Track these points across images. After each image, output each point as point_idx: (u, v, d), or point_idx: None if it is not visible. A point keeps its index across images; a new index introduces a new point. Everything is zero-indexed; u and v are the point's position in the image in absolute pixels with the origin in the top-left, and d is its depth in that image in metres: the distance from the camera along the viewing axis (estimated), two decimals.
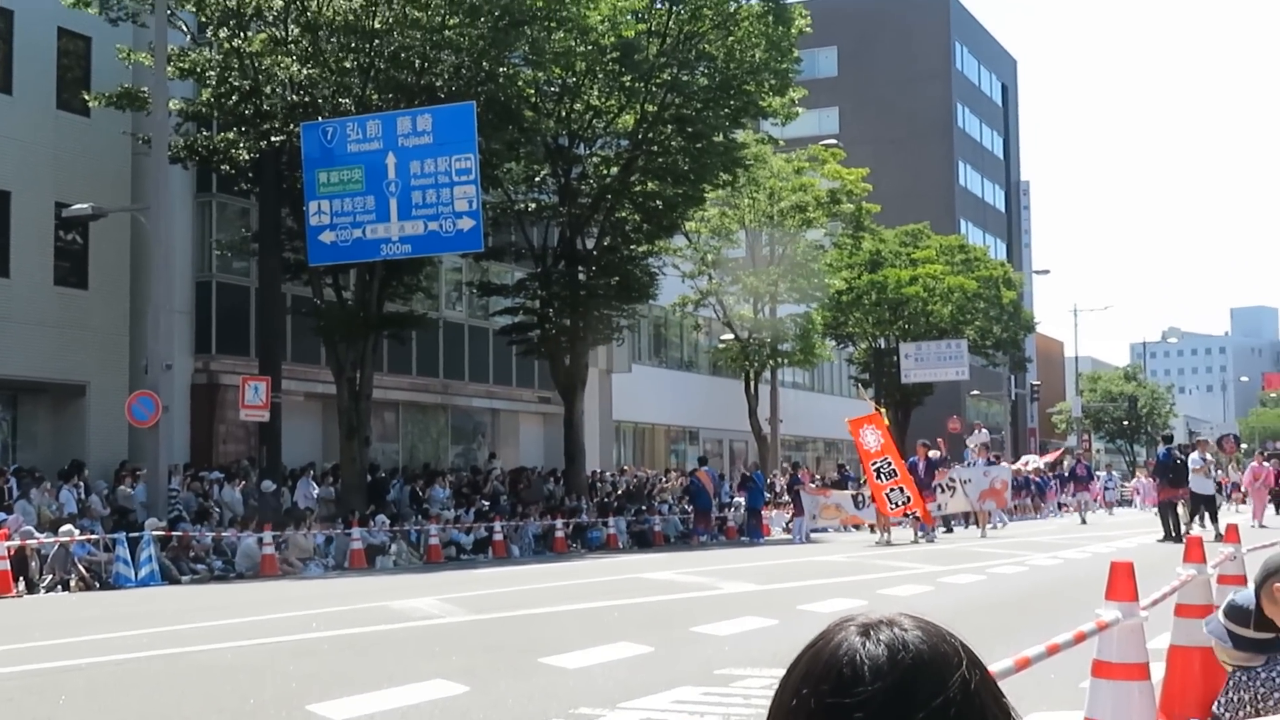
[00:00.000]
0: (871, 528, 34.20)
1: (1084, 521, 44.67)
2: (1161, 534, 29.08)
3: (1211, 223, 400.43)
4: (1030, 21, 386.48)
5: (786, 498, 43.27)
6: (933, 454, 34.89)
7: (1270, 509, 37.22)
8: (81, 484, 27.33)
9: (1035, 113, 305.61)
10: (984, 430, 52.56)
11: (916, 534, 32.84)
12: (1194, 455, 30.56)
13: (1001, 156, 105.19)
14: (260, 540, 26.89)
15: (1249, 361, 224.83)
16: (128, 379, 31.82)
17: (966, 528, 39.07)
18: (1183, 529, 28.74)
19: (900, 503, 32.07)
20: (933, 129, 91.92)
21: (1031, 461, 56.78)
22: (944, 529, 36.89)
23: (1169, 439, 33.63)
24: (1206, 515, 29.84)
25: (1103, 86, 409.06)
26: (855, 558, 26.76)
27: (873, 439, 32.11)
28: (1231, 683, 5.26)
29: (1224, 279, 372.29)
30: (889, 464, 31.82)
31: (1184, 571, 8.07)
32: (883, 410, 34.58)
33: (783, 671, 1.67)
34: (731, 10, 37.38)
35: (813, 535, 37.60)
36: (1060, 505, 56.63)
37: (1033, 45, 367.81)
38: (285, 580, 25.64)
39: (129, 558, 23.94)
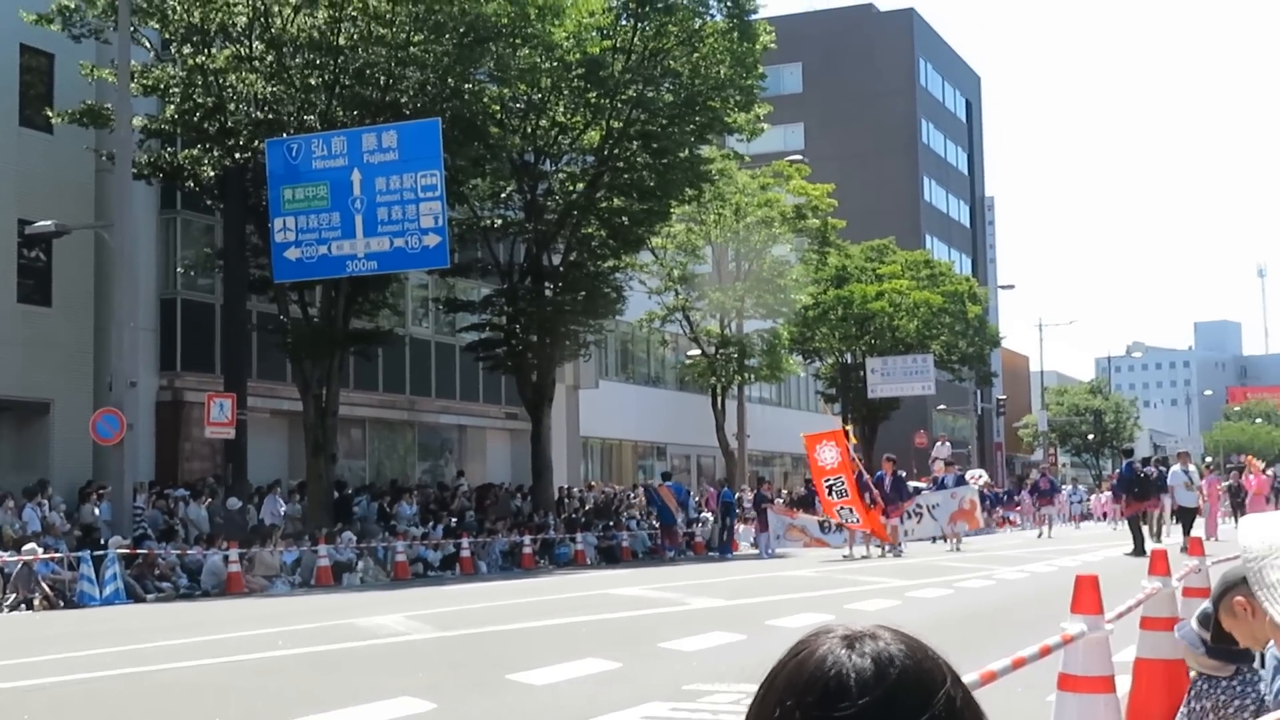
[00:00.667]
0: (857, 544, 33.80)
1: (1044, 535, 44.70)
2: (1132, 547, 29.22)
3: (1175, 238, 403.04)
4: (994, 38, 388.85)
5: (754, 513, 43.33)
6: (901, 472, 34.99)
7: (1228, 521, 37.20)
8: (45, 502, 27.14)
9: (999, 128, 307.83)
10: (947, 443, 52.48)
11: (884, 548, 32.90)
12: (1175, 469, 30.63)
13: (966, 172, 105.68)
14: (226, 558, 26.75)
15: (1213, 375, 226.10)
16: (92, 396, 31.63)
17: (934, 543, 39.11)
18: (1147, 542, 28.85)
19: (851, 521, 32.21)
20: (897, 145, 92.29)
21: (982, 476, 57.03)
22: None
23: (1129, 453, 33.80)
24: (1180, 526, 29.82)
25: (1066, 103, 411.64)
26: (823, 572, 26.78)
27: (830, 455, 32.15)
28: (1193, 691, 5.28)
29: (1188, 293, 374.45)
30: (841, 482, 31.87)
31: (1149, 584, 8.11)
32: (849, 428, 34.58)
33: (751, 686, 1.66)
34: (696, 27, 37.48)
35: (778, 551, 37.62)
36: (1005, 520, 56.82)
37: (996, 62, 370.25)
38: (251, 598, 25.51)
39: (93, 576, 23.77)
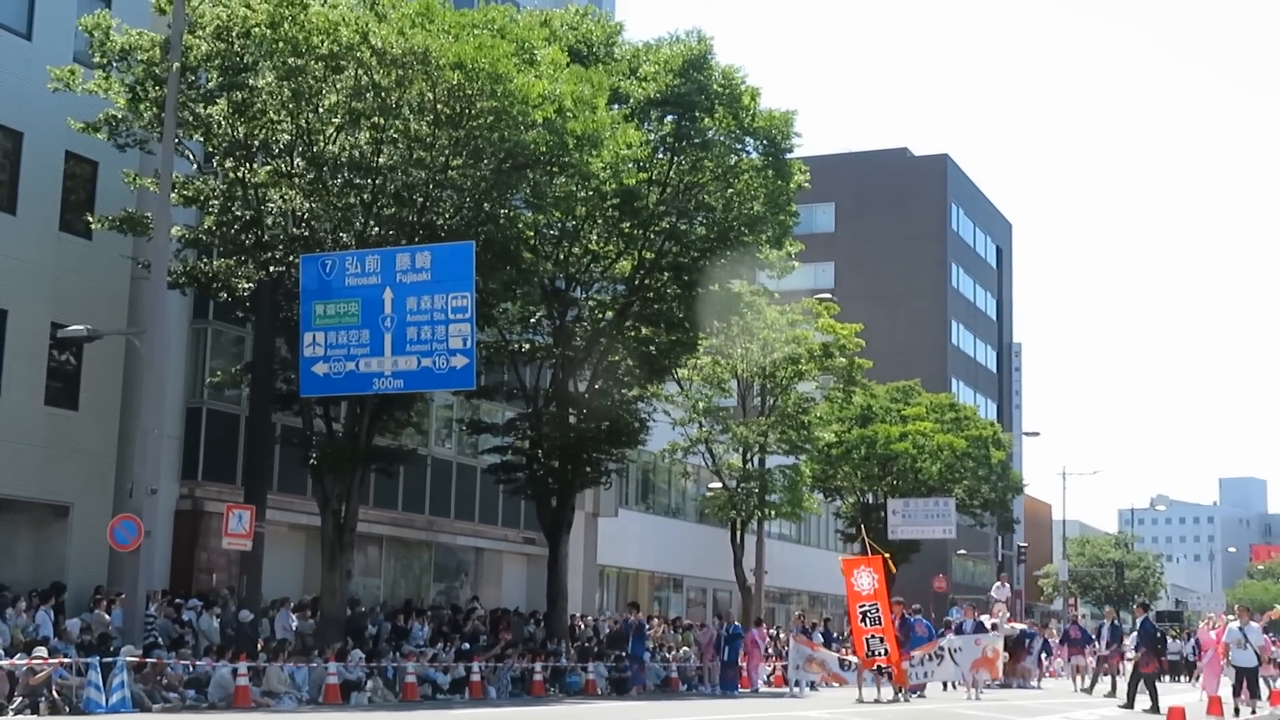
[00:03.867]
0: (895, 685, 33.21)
1: (1078, 689, 42.67)
2: (1150, 704, 28.89)
3: (1202, 393, 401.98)
4: (1025, 186, 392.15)
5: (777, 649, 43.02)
6: (918, 616, 34.65)
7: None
8: (56, 605, 27.07)
9: (1028, 276, 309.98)
10: (1006, 586, 50.22)
11: (896, 692, 32.52)
12: (1233, 625, 29.83)
13: (994, 317, 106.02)
14: (235, 671, 26.58)
15: (1237, 532, 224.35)
16: (112, 501, 31.67)
17: (944, 689, 38.62)
18: (1161, 700, 28.64)
19: (879, 652, 31.83)
20: (927, 288, 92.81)
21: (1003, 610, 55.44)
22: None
23: (1146, 606, 33.34)
24: (1245, 689, 28.82)
25: (1096, 253, 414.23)
26: (836, 714, 26.46)
27: (867, 581, 32.03)
28: None
29: (1213, 449, 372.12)
30: (876, 610, 31.69)
31: None
32: (889, 557, 34.40)
33: None
34: (732, 163, 37.86)
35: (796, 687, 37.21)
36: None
37: (1028, 209, 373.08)
38: (258, 713, 25.32)
39: (100, 683, 23.63)
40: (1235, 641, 29.04)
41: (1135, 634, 30.75)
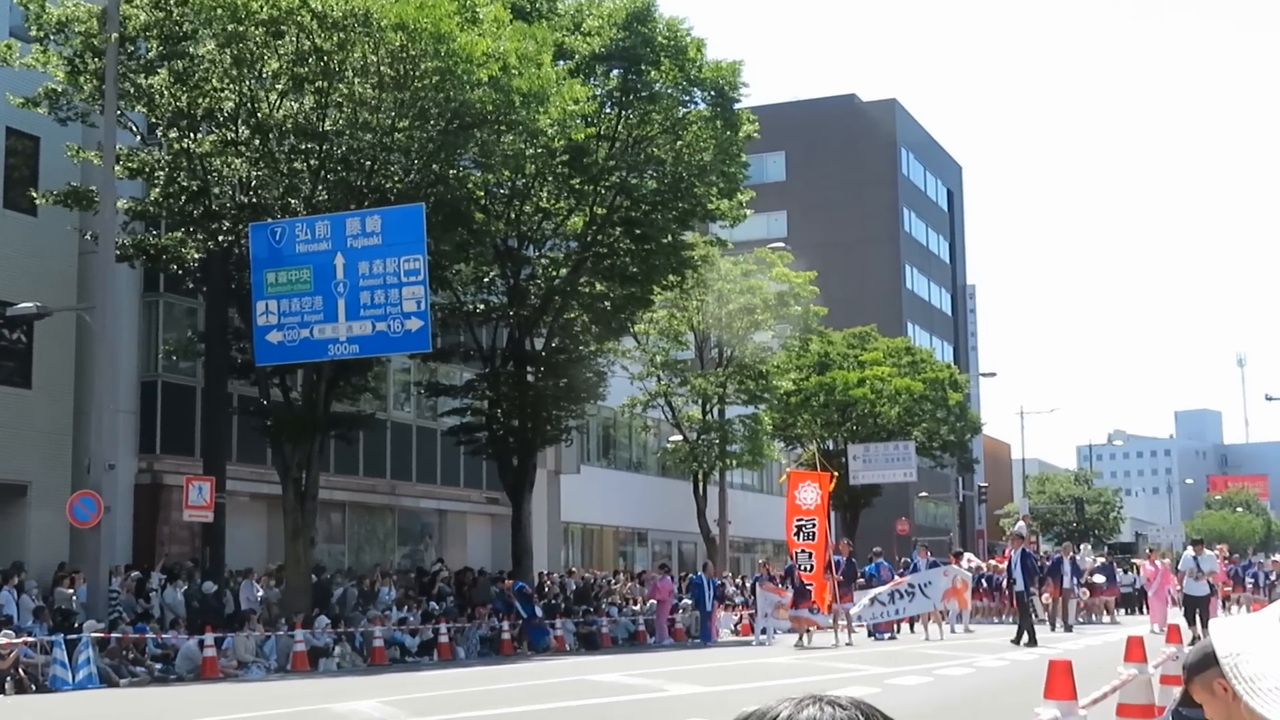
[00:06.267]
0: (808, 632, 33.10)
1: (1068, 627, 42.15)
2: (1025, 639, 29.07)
3: (1156, 326, 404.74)
4: (975, 128, 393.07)
5: (739, 600, 43.06)
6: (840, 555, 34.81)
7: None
8: (20, 585, 26.93)
9: (980, 218, 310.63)
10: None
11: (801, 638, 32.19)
12: (1186, 554, 30.41)
13: (947, 260, 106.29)
14: (201, 642, 26.53)
15: (1194, 464, 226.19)
16: (70, 478, 31.47)
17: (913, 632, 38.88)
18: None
19: (805, 567, 31.89)
20: (880, 233, 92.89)
21: (973, 561, 56.07)
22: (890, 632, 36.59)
23: (1022, 537, 33.65)
24: (1198, 620, 29.14)
25: (1047, 192, 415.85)
26: (803, 659, 26.64)
27: (810, 496, 32.08)
28: None
29: (1168, 382, 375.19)
30: (813, 524, 31.79)
31: (1125, 671, 8.10)
32: (836, 474, 34.55)
33: None
34: (680, 115, 37.79)
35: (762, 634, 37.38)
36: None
37: (978, 151, 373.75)
38: (226, 683, 25.29)
39: (66, 660, 23.55)
40: (1190, 571, 29.56)
41: (1017, 567, 30.93)
